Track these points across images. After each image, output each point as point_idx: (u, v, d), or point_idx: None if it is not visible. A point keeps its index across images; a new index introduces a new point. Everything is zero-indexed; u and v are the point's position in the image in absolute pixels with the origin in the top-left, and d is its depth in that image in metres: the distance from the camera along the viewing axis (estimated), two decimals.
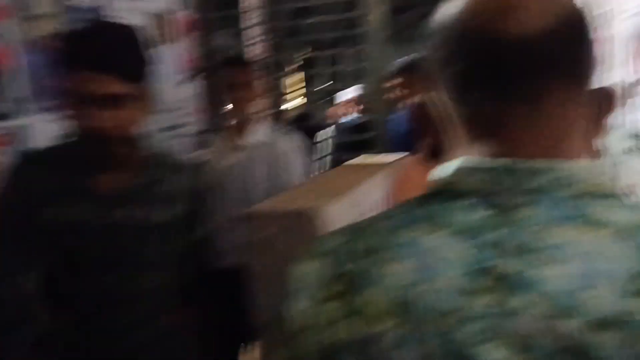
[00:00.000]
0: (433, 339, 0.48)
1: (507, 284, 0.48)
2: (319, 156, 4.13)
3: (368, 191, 1.60)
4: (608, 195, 0.51)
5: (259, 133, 2.24)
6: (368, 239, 0.54)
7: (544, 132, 0.52)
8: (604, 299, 0.46)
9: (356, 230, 0.57)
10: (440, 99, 0.57)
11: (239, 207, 2.02)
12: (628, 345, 0.45)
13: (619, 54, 1.50)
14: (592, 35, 0.53)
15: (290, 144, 2.28)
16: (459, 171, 0.54)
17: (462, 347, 0.47)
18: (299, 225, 1.24)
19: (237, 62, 2.35)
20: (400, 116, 2.50)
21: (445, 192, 0.54)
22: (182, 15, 2.63)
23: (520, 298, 0.47)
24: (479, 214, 0.51)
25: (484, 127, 0.53)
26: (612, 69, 1.53)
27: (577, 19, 0.52)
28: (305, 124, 4.54)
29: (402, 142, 2.09)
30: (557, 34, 0.50)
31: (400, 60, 2.57)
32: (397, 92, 2.60)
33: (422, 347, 0.48)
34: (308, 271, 0.56)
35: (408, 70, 2.53)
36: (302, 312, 0.54)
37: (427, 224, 0.52)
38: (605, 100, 0.55)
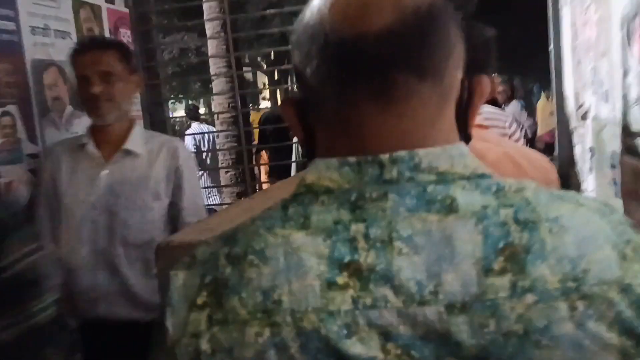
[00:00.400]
0: (297, 340, 0.49)
1: (363, 278, 0.49)
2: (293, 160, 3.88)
3: None
4: (460, 178, 0.52)
5: (135, 141, 1.71)
6: (234, 245, 0.55)
7: (397, 126, 0.53)
8: (454, 284, 0.48)
9: (225, 237, 0.57)
10: (303, 99, 0.58)
11: (119, 241, 1.65)
12: (479, 326, 0.47)
13: (616, 36, 1.26)
14: (447, 27, 0.53)
15: (185, 153, 1.78)
16: (316, 171, 0.55)
17: (327, 344, 0.48)
18: None
19: (93, 45, 1.72)
20: None
21: (306, 193, 0.54)
22: (119, 8, 2.33)
23: (376, 291, 0.49)
24: (335, 213, 0.52)
25: (337, 125, 0.55)
26: (608, 53, 1.30)
27: (426, 12, 0.52)
28: (275, 125, 4.29)
29: None
30: (401, 28, 0.51)
31: None
32: None
33: (286, 350, 0.49)
34: (177, 283, 0.56)
35: None
36: (173, 326, 0.54)
37: (288, 226, 0.53)
38: (475, 88, 0.57)
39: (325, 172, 0.54)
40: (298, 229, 0.52)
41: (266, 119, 4.71)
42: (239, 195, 3.96)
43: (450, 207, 0.50)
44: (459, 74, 0.55)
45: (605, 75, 1.44)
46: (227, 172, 4.07)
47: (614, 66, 1.31)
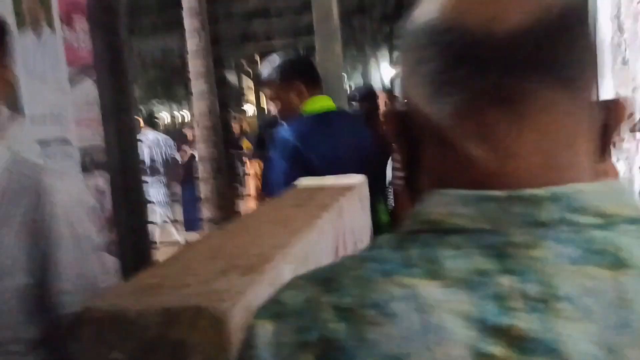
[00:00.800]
0: None
1: (524, 349, 0.39)
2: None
3: (318, 241, 1.04)
4: (630, 222, 0.43)
5: None
6: (341, 293, 0.44)
7: (535, 145, 0.45)
8: None
9: (323, 281, 0.46)
10: (411, 111, 0.50)
11: None
12: None
13: None
14: (589, 37, 0.47)
15: (64, 198, 1.02)
16: (444, 202, 0.46)
17: None
18: (192, 337, 0.64)
19: None
20: (285, 128, 2.07)
21: (430, 230, 0.45)
22: None
23: None
24: (477, 259, 0.42)
25: (462, 140, 0.46)
26: None
27: (571, 14, 0.46)
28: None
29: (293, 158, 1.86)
30: (543, 28, 0.44)
31: (267, 68, 2.18)
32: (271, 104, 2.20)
33: None
34: (265, 338, 0.44)
35: (274, 79, 2.11)
36: None
37: (414, 273, 0.43)
38: (614, 113, 0.49)
39: (456, 206, 0.45)
40: (428, 278, 0.42)
41: (266, 125, 4.41)
42: (220, 209, 3.64)
43: (621, 260, 0.41)
44: (596, 90, 0.48)
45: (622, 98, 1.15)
46: (206, 183, 3.76)
47: None
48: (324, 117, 2.08)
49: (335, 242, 1.16)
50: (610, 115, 0.49)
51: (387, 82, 16.89)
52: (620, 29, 1.53)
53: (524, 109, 0.44)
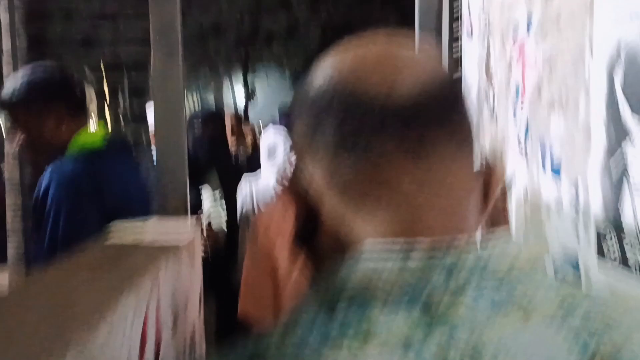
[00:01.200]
0: None
1: None
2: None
3: (112, 336, 0.73)
4: (525, 270, 0.48)
5: None
6: None
7: (440, 198, 0.49)
8: None
9: (250, 357, 0.45)
10: (309, 171, 0.53)
11: None
12: None
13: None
14: (467, 105, 0.52)
15: None
16: (367, 258, 0.47)
17: None
18: None
19: None
20: (64, 167, 1.62)
21: (355, 289, 0.46)
22: None
23: None
24: (408, 317, 0.44)
25: (371, 196, 0.49)
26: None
27: (452, 86, 0.52)
28: None
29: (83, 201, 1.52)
30: (434, 95, 0.50)
31: (13, 85, 1.69)
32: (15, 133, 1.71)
33: None
34: None
35: (22, 100, 1.65)
36: None
37: (350, 337, 0.43)
38: (492, 175, 0.54)
39: (380, 261, 0.46)
40: (365, 341, 0.43)
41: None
42: (28, 243, 3.04)
43: (527, 306, 0.46)
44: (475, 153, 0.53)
45: (497, 169, 1.02)
46: (13, 209, 3.11)
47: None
48: (103, 153, 1.70)
49: (143, 323, 0.85)
50: (489, 177, 0.53)
51: (239, 105, 16.68)
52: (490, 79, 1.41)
53: (427, 163, 0.48)
